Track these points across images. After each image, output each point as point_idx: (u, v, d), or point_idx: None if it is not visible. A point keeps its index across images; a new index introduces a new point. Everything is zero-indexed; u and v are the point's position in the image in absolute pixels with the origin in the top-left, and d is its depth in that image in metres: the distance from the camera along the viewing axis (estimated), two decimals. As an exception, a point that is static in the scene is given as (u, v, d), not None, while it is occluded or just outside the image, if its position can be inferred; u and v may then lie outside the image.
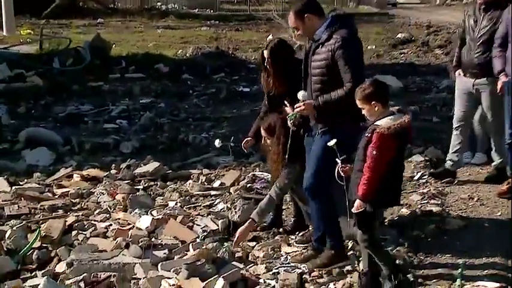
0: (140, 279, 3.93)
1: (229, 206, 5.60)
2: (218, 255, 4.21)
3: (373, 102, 3.19)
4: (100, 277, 4.01)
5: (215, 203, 5.83)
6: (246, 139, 4.76)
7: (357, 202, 3.23)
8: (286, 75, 3.99)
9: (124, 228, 5.10)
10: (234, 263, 4.16)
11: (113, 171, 7.29)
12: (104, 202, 6.04)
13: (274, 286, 3.63)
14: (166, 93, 12.62)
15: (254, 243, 4.70)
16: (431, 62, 14.28)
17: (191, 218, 5.34)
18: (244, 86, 13.20)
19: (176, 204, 5.88)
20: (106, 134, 9.66)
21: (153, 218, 5.14)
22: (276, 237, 4.76)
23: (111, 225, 5.25)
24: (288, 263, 4.13)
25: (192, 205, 5.86)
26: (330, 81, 3.35)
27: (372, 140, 3.18)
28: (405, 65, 14.06)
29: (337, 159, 3.43)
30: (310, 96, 3.51)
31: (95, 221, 5.43)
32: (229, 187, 6.28)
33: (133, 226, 5.10)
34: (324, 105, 3.62)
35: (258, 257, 4.35)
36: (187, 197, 6.04)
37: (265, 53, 4.23)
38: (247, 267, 4.10)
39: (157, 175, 6.94)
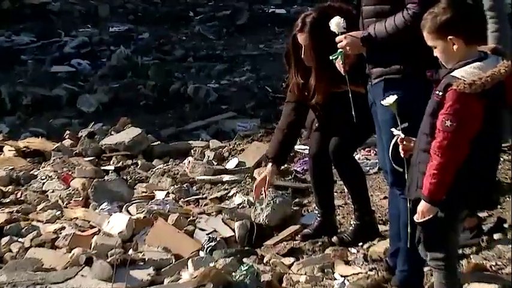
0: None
1: (251, 199, 5.67)
2: (235, 278, 4.23)
3: (450, 37, 3.13)
4: (46, 311, 4.07)
5: (229, 195, 5.93)
6: (258, 180, 4.79)
7: (422, 205, 3.19)
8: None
9: (84, 233, 5.20)
10: None
11: (67, 143, 7.38)
12: (53, 192, 6.14)
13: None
14: (151, 16, 12.85)
15: (292, 259, 4.85)
16: None
17: (191, 218, 5.42)
18: (278, 4, 13.17)
19: (168, 195, 5.99)
20: (55, 82, 9.80)
21: (130, 218, 5.21)
22: (327, 251, 4.76)
23: (63, 228, 5.32)
24: (347, 293, 4.36)
25: (193, 197, 5.99)
26: (390, 11, 3.39)
27: (445, 102, 3.10)
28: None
29: (394, 130, 3.41)
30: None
31: (38, 221, 5.52)
32: (252, 169, 6.33)
33: (99, 230, 5.20)
34: (375, 38, 3.56)
35: (299, 281, 4.36)
36: (184, 185, 6.13)
37: (301, 37, 4.12)
38: None
39: (137, 149, 7.04)
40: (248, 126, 7.94)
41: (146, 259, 4.70)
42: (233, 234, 5.15)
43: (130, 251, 4.85)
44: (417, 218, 3.19)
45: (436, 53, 3.23)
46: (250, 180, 6.17)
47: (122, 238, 5.05)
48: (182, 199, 5.98)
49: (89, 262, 4.60)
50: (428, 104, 3.21)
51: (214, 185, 6.22)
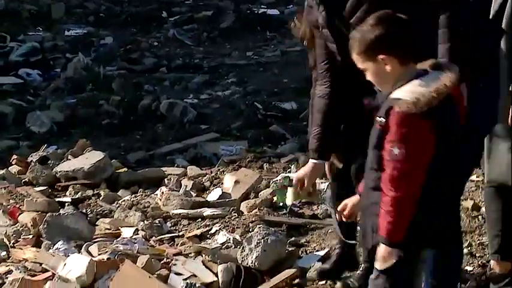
0: None
1: (238, 238, 5.67)
2: None
3: (381, 57, 3.24)
4: None
5: (211, 232, 5.92)
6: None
7: (382, 249, 3.26)
8: None
9: (35, 278, 5.20)
10: None
11: (14, 169, 7.39)
12: (-3, 228, 6.21)
13: None
14: (115, 17, 12.91)
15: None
16: None
17: (165, 260, 5.39)
18: (271, 4, 13.22)
19: (136, 233, 5.98)
20: (0, 96, 9.89)
21: (91, 260, 5.16)
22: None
23: (10, 272, 5.32)
24: None
25: (167, 235, 5.96)
26: None
27: (390, 128, 3.21)
28: None
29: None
30: None
31: (-22, 264, 5.55)
32: (238, 201, 6.40)
33: (53, 275, 5.17)
34: None
35: None
36: (157, 220, 6.11)
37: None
38: None
39: (99, 177, 7.08)
40: (233, 149, 7.98)
41: (111, 310, 4.68)
42: (216, 279, 5.13)
43: (92, 301, 4.85)
44: (379, 266, 3.27)
45: (368, 76, 3.34)
46: (236, 215, 6.18)
47: (81, 284, 5.03)
48: (154, 237, 5.95)
49: (40, 314, 4.58)
50: (371, 135, 3.30)
51: (193, 220, 6.20)
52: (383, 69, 3.25)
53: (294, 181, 4.21)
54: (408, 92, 3.18)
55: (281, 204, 4.78)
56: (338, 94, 4.18)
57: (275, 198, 5.01)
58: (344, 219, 3.75)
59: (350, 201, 3.67)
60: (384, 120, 3.20)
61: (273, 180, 6.60)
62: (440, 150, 3.22)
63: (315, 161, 4.18)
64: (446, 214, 3.37)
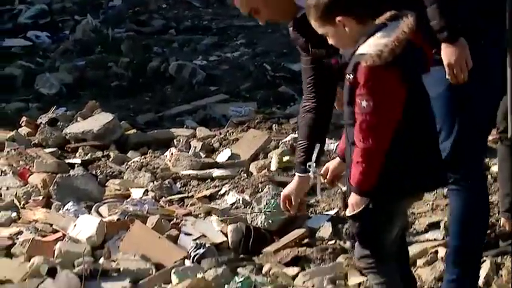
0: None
1: (247, 198, 5.69)
2: None
3: (338, 19, 3.32)
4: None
5: (220, 193, 5.93)
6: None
7: (352, 197, 3.35)
8: None
9: (45, 238, 5.23)
10: None
11: (23, 131, 7.39)
12: (7, 189, 6.16)
13: None
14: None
15: (297, 269, 4.84)
16: None
17: (174, 220, 5.43)
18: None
19: (146, 194, 5.99)
20: (9, 59, 9.83)
21: (101, 221, 5.22)
22: (339, 259, 4.78)
23: (20, 233, 5.36)
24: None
25: (177, 196, 5.99)
26: None
27: (358, 82, 3.24)
28: None
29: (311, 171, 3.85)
30: None
31: (-11, 224, 5.60)
32: (247, 163, 6.39)
33: (64, 235, 5.22)
34: None
35: None
36: (166, 181, 6.13)
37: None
38: None
39: (108, 139, 7.06)
40: (242, 111, 7.93)
41: (121, 269, 4.70)
42: (225, 239, 5.15)
43: (102, 260, 4.86)
44: (348, 211, 3.36)
45: (330, 40, 3.41)
46: (245, 175, 6.17)
47: (91, 244, 5.05)
48: (163, 198, 5.97)
49: (51, 273, 4.59)
50: (344, 93, 3.37)
51: (203, 181, 6.21)
52: (342, 31, 3.33)
53: (281, 198, 4.20)
54: (371, 46, 3.24)
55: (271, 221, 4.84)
56: (324, 108, 4.15)
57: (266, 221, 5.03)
58: (327, 184, 3.88)
59: (331, 165, 3.78)
60: (352, 76, 3.26)
61: (282, 141, 6.59)
62: (410, 97, 3.27)
63: (300, 174, 4.14)
64: (419, 163, 3.38)
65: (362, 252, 3.48)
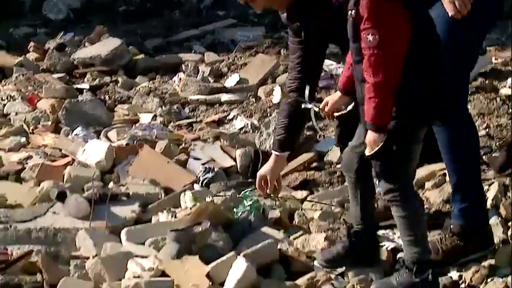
0: (88, 258, 4.04)
1: (255, 123, 5.70)
2: (236, 215, 4.25)
3: None
4: (11, 254, 4.02)
5: (229, 118, 5.96)
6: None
7: (369, 135, 3.29)
8: None
9: (55, 163, 5.26)
10: (265, 229, 4.16)
11: (31, 56, 7.39)
12: (16, 115, 6.21)
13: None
14: None
15: (305, 192, 4.85)
16: None
17: (183, 145, 5.47)
18: None
19: (154, 119, 6.03)
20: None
21: (110, 145, 5.25)
22: (347, 182, 4.81)
23: (30, 157, 5.39)
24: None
25: (185, 121, 6.03)
26: None
27: (361, 16, 3.19)
28: None
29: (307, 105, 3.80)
30: None
31: (-2, 149, 5.65)
32: (256, 87, 6.41)
33: (73, 160, 5.26)
34: None
35: (313, 218, 4.37)
36: (175, 106, 6.19)
37: None
38: (292, 237, 4.17)
39: (116, 64, 7.08)
40: (251, 35, 7.87)
41: (130, 193, 4.71)
42: (234, 163, 5.17)
43: (111, 184, 4.88)
44: (368, 151, 3.30)
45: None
46: (253, 100, 6.15)
47: (100, 169, 5.07)
48: (172, 123, 5.98)
49: (61, 197, 4.60)
50: (348, 30, 3.31)
51: (211, 106, 6.21)
52: None
53: (257, 179, 4.16)
54: None
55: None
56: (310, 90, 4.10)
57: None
58: (326, 117, 3.85)
59: (331, 99, 3.73)
60: (355, 11, 3.22)
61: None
62: (419, 31, 3.23)
63: (277, 153, 4.09)
64: (429, 91, 3.36)
65: (387, 186, 3.44)
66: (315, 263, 3.79)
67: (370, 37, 3.16)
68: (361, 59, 3.25)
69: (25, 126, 5.98)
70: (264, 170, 4.15)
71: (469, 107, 4.58)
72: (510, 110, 5.23)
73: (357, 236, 3.71)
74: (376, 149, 3.27)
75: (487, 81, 5.88)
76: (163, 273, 3.63)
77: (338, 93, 3.69)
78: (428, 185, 4.54)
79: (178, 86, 6.52)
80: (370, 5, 3.16)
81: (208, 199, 4.47)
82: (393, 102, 3.23)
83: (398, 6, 3.17)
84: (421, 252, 3.43)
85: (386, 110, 3.23)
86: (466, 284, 3.59)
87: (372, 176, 3.65)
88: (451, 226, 3.91)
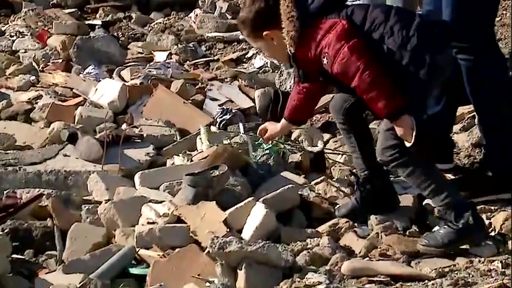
0: (100, 203, 4.04)
1: (275, 61, 5.61)
2: (255, 159, 4.37)
3: (265, 34, 3.49)
4: (20, 198, 4.04)
5: (248, 56, 5.95)
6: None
7: (398, 128, 3.33)
8: None
9: (66, 103, 5.29)
10: (285, 173, 4.16)
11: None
12: (25, 52, 6.22)
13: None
14: None
15: (328, 135, 4.82)
16: None
17: (200, 85, 5.47)
18: None
19: (170, 57, 6.04)
20: None
21: (123, 85, 5.26)
22: (371, 125, 4.73)
23: (39, 97, 5.42)
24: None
25: (202, 60, 6.03)
26: None
27: (327, 43, 3.34)
28: None
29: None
30: None
31: (7, 88, 5.60)
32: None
33: (85, 100, 5.28)
34: None
35: (336, 162, 4.55)
36: (191, 44, 6.17)
37: None
38: (313, 182, 4.17)
39: (129, -2, 7.13)
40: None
41: (144, 135, 4.72)
42: (253, 104, 5.16)
43: (124, 126, 4.88)
44: (408, 144, 3.32)
45: (265, 54, 3.66)
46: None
47: (113, 110, 5.07)
48: (188, 61, 5.96)
49: (72, 139, 4.60)
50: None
51: (229, 44, 6.18)
52: (272, 44, 3.50)
53: (260, 128, 4.18)
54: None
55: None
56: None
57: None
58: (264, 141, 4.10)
59: (269, 125, 3.92)
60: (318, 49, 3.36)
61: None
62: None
63: (287, 122, 4.11)
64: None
65: (385, 143, 3.43)
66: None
67: (325, 60, 3.32)
68: (349, 86, 3.35)
69: (34, 64, 5.96)
70: (269, 124, 4.13)
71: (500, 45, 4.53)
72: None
73: (365, 183, 3.68)
74: (414, 134, 3.28)
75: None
76: (179, 219, 3.62)
77: (282, 123, 3.84)
78: (456, 127, 4.49)
79: (194, 22, 6.48)
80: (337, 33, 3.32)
81: (225, 142, 4.44)
82: (394, 86, 3.29)
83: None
84: (449, 195, 3.38)
85: (392, 90, 3.29)
86: (496, 232, 3.56)
87: (363, 118, 3.73)
88: (480, 166, 3.92)
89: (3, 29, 6.56)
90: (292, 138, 4.70)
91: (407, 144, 3.32)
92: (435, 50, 3.38)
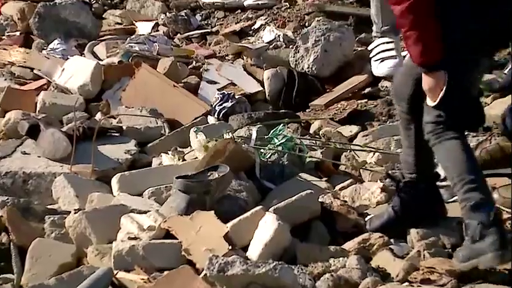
0: (68, 213, 4.06)
1: (289, 34, 5.72)
2: (263, 156, 4.43)
3: None
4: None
5: (254, 28, 6.03)
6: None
7: (425, 81, 3.51)
8: None
9: (25, 87, 5.36)
10: (302, 176, 4.32)
11: None
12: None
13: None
14: None
15: (355, 128, 4.84)
16: None
17: (194, 63, 5.55)
18: None
19: (156, 29, 6.13)
20: None
21: (97, 64, 5.31)
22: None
23: (-7, 79, 5.57)
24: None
25: (197, 32, 6.12)
26: None
27: None
28: None
29: None
30: None
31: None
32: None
33: (49, 82, 5.34)
34: None
35: (365, 162, 4.59)
36: (182, 12, 6.28)
37: None
38: (338, 187, 4.22)
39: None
40: None
41: (123, 128, 4.74)
42: (261, 89, 5.20)
43: (99, 116, 4.91)
44: (431, 101, 3.48)
45: None
46: (287, 4, 6.13)
47: (84, 95, 5.11)
48: (179, 34, 6.00)
49: (33, 132, 4.62)
50: None
51: (231, 12, 6.23)
52: None
53: None
54: None
55: None
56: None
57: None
58: None
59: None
60: None
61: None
62: None
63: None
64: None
65: (432, 114, 3.51)
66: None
67: None
68: None
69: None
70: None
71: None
72: None
73: (408, 188, 3.69)
74: (441, 94, 3.42)
75: None
76: (168, 234, 3.62)
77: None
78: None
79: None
80: None
81: (226, 136, 4.46)
82: (438, 36, 3.46)
83: None
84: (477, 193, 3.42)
85: (431, 41, 3.48)
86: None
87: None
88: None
89: None
90: (311, 132, 4.73)
91: (430, 104, 3.44)
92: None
